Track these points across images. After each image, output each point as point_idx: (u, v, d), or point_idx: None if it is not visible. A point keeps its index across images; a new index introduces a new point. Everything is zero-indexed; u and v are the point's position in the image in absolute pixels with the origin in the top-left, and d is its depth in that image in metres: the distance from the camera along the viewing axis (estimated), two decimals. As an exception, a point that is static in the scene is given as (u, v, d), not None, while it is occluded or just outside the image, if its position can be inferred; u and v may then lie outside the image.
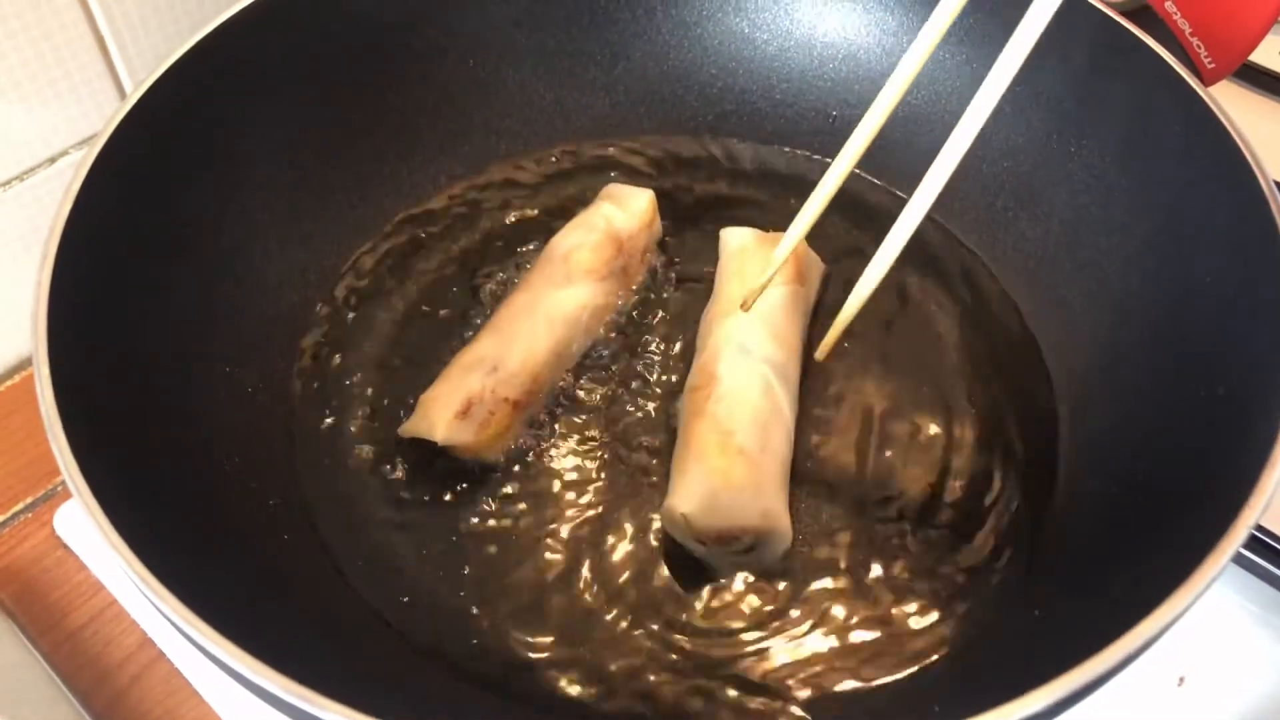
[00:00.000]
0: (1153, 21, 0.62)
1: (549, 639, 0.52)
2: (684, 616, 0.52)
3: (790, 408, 0.55)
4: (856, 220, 0.68)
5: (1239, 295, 0.51)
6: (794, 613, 0.52)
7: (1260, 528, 0.58)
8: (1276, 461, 0.42)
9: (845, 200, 0.68)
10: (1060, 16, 0.62)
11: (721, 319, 0.58)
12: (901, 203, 0.66)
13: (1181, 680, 0.57)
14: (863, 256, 0.63)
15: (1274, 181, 0.51)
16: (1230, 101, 0.82)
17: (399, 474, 0.57)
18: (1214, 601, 0.59)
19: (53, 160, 0.67)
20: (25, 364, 0.72)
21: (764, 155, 0.72)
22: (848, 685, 0.50)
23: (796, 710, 0.49)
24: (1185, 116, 0.55)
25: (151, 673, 0.58)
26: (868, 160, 0.69)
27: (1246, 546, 0.58)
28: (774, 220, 0.67)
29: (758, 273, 0.58)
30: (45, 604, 0.61)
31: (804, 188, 0.69)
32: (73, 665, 0.58)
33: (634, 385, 0.60)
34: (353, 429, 0.59)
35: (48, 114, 0.65)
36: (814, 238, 0.64)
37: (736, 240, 0.62)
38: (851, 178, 0.68)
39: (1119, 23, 0.59)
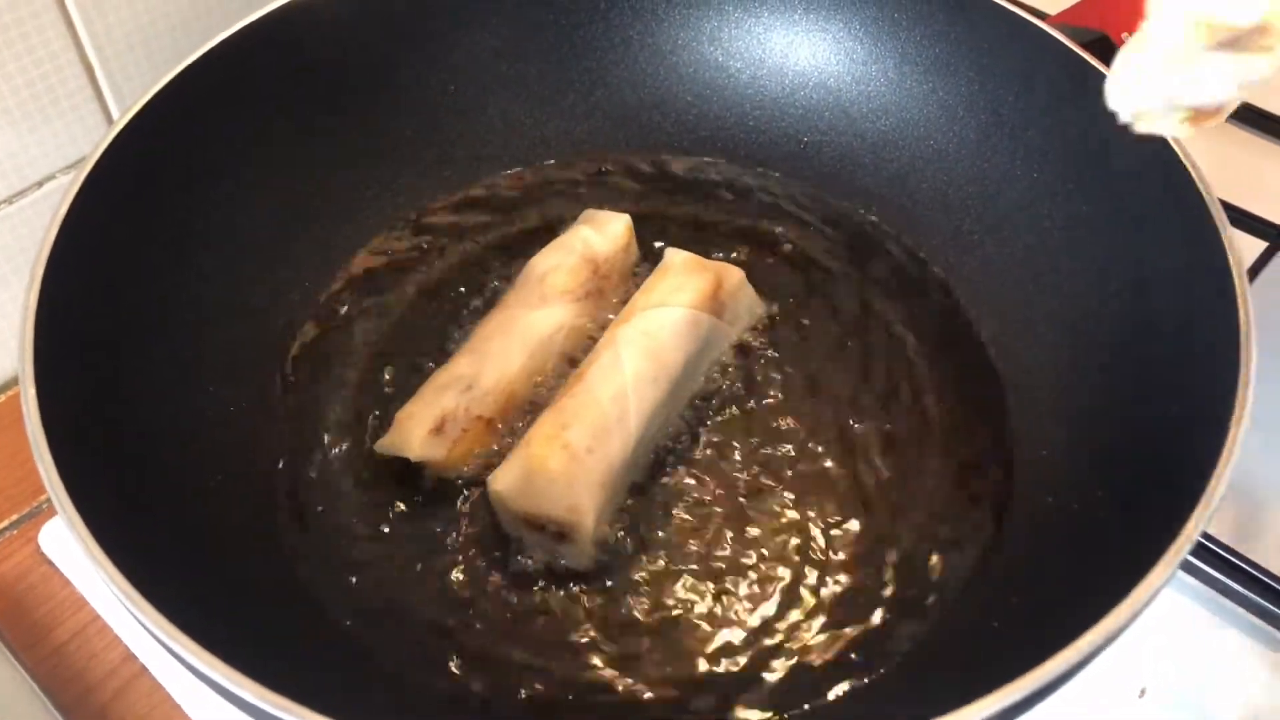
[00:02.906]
0: (1110, 52, 0.64)
1: (526, 653, 0.53)
2: (663, 628, 0.54)
3: (641, 424, 0.57)
4: (831, 239, 0.70)
5: (1191, 317, 0.52)
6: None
7: (1219, 542, 0.59)
8: (1223, 475, 0.43)
9: (817, 221, 0.70)
10: (1022, 48, 0.64)
11: (615, 326, 0.61)
12: (873, 225, 0.69)
13: (1143, 692, 0.58)
14: (834, 287, 0.67)
15: (1228, 204, 0.53)
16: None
17: (377, 490, 0.58)
18: (1174, 614, 0.60)
19: (40, 184, 0.68)
20: (9, 385, 0.73)
21: (739, 179, 0.73)
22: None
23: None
24: (1141, 146, 0.57)
25: (134, 687, 0.59)
26: (839, 183, 0.72)
27: (1208, 561, 0.59)
28: (749, 245, 0.69)
29: (666, 291, 0.61)
30: (30, 620, 0.61)
31: (778, 210, 0.71)
32: (56, 680, 0.59)
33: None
34: (334, 447, 0.60)
35: (35, 139, 0.66)
36: (769, 275, 0.66)
37: (666, 258, 0.64)
38: (826, 203, 0.71)
39: (1078, 54, 0.61)
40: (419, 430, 0.56)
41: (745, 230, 0.71)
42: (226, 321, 0.61)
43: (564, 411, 0.56)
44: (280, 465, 0.59)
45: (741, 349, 0.64)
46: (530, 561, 0.56)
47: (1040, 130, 0.64)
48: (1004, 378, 0.62)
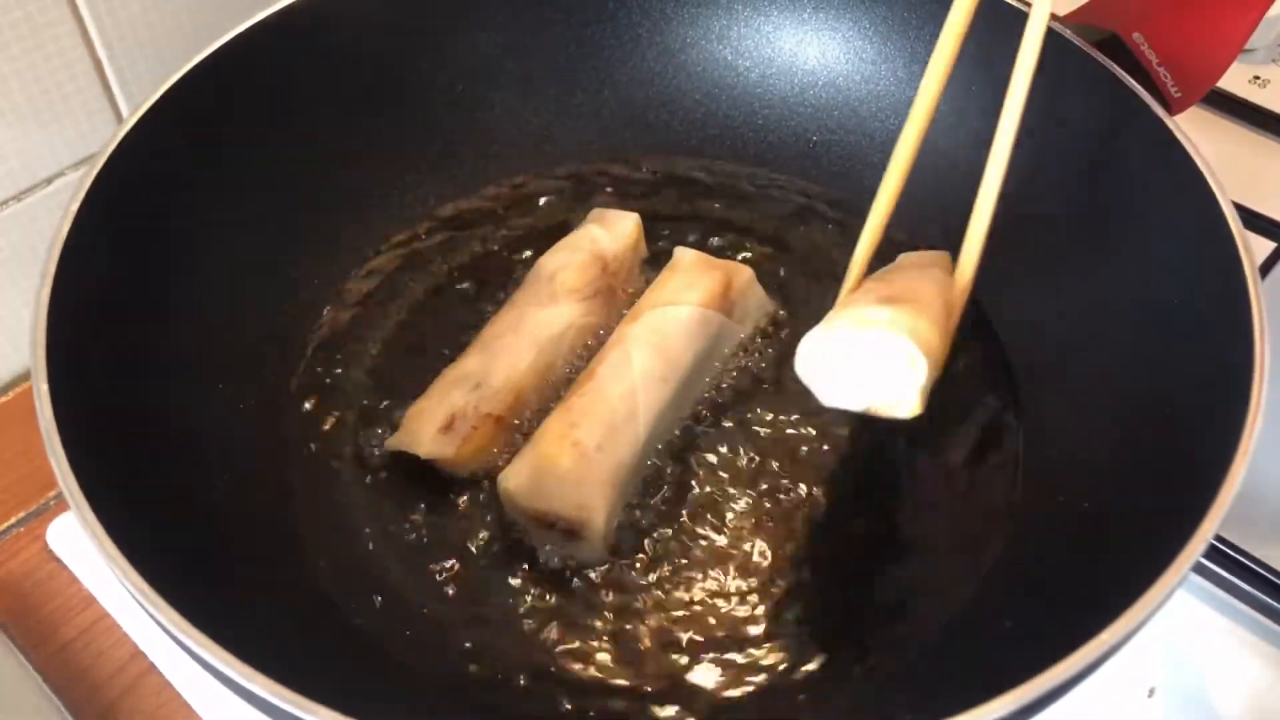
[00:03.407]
0: (1121, 52, 0.64)
1: (536, 652, 0.53)
2: (659, 630, 0.54)
3: (650, 422, 0.57)
4: (840, 238, 0.70)
5: (1204, 319, 0.52)
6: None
7: (1228, 542, 0.59)
8: (1237, 475, 0.43)
9: (825, 220, 0.70)
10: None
11: (625, 325, 0.61)
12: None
13: (1152, 691, 0.58)
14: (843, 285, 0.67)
15: (1236, 204, 0.53)
16: (1196, 126, 0.84)
17: (386, 488, 0.58)
18: (1184, 614, 0.60)
19: (49, 181, 0.68)
20: (18, 381, 0.73)
21: (748, 178, 0.73)
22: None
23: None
24: (1153, 146, 0.57)
25: (142, 685, 0.59)
26: (848, 182, 0.71)
27: (1217, 561, 0.59)
28: (758, 244, 0.69)
29: (675, 290, 0.61)
30: (37, 617, 0.61)
31: (786, 210, 0.71)
32: (64, 677, 0.59)
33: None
34: (343, 444, 0.60)
35: (44, 136, 0.66)
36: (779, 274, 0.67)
37: (675, 256, 0.64)
38: (835, 201, 0.71)
39: (1089, 53, 0.61)
40: (428, 428, 0.56)
41: (754, 229, 0.71)
42: (235, 319, 0.61)
43: (573, 410, 0.56)
44: (289, 463, 0.59)
45: (750, 347, 0.64)
46: (540, 559, 0.56)
47: (1050, 130, 0.64)
48: (1013, 377, 0.62)
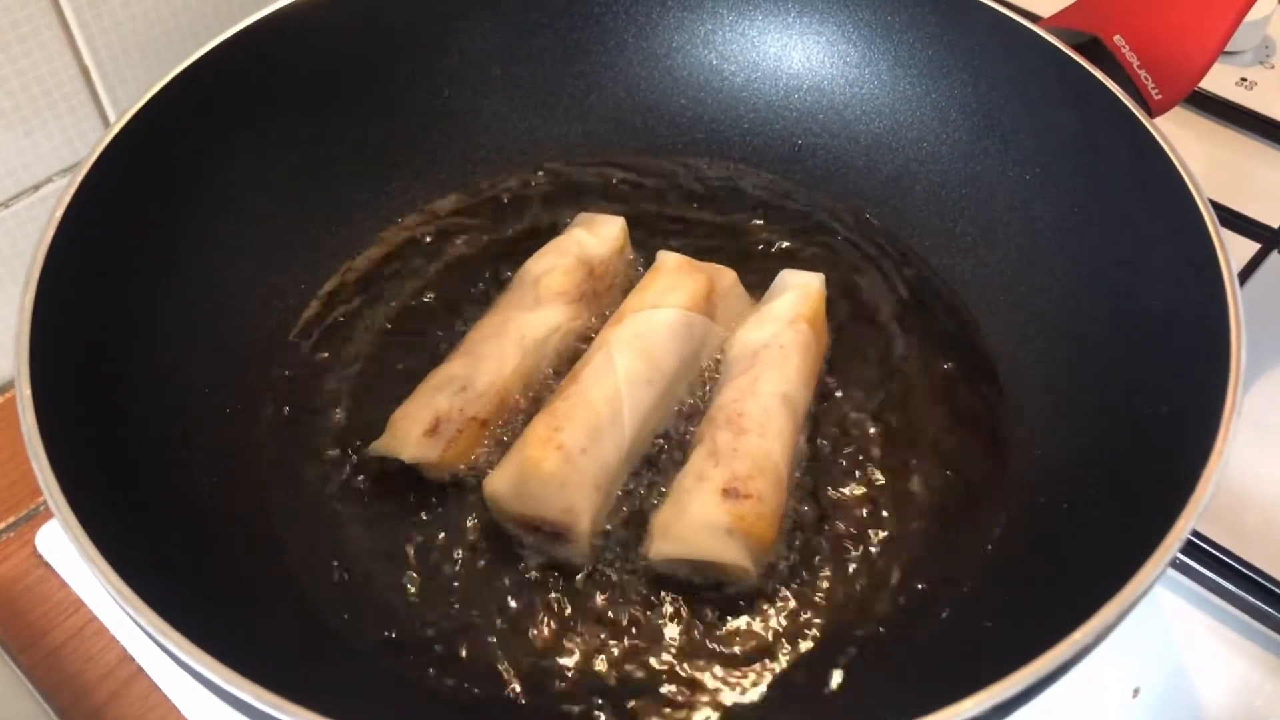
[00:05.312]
0: (1102, 55, 0.65)
1: (523, 653, 0.53)
2: (649, 636, 0.54)
3: (635, 424, 0.57)
4: (824, 241, 0.70)
5: (1182, 319, 0.53)
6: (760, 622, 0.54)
7: (1212, 542, 0.60)
8: (1212, 474, 0.44)
9: (810, 223, 0.71)
10: (1015, 51, 0.65)
11: (609, 327, 0.61)
12: (867, 227, 0.69)
13: (1136, 691, 0.58)
14: (827, 287, 0.67)
15: (1223, 206, 0.53)
16: (1184, 128, 0.84)
17: (372, 492, 0.58)
18: (1167, 613, 0.61)
19: (36, 187, 0.68)
20: (7, 387, 0.73)
21: (733, 182, 0.74)
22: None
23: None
24: (1133, 147, 0.58)
25: (130, 688, 0.59)
26: (833, 185, 0.72)
27: (1202, 561, 0.60)
28: (741, 246, 0.70)
29: (658, 293, 0.61)
30: (26, 621, 0.62)
31: (773, 212, 0.71)
32: (52, 681, 0.59)
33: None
34: (327, 448, 0.60)
35: (32, 142, 0.67)
36: (762, 277, 0.67)
37: (659, 260, 0.64)
38: (820, 204, 0.71)
39: (1071, 57, 0.61)
40: (413, 431, 0.57)
41: (739, 232, 0.71)
42: (221, 324, 0.61)
43: (557, 413, 0.57)
44: (273, 466, 0.59)
45: (735, 350, 0.64)
46: (526, 562, 0.56)
47: (1032, 133, 0.64)
48: (996, 378, 0.62)
